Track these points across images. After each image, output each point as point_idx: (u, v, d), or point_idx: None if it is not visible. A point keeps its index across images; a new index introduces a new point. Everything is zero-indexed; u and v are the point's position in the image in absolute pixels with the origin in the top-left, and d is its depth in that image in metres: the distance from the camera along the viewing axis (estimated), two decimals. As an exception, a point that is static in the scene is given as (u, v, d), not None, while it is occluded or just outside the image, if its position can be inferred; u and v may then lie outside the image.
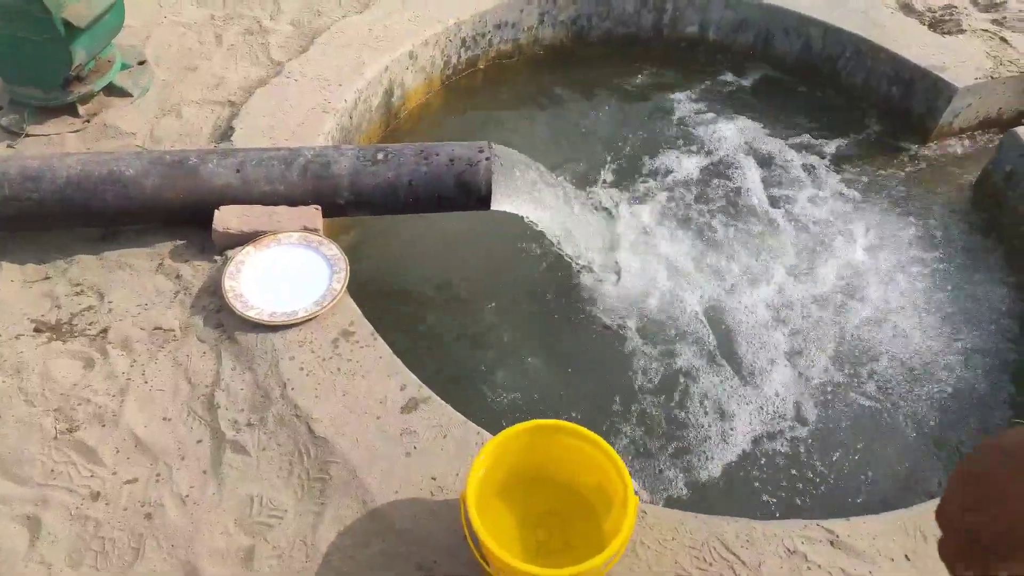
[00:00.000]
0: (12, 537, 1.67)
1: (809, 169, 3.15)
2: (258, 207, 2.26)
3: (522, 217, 2.41)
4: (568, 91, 3.53)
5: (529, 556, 1.62)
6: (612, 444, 2.07)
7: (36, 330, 2.09)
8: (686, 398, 2.31)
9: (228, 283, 2.11)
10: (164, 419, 1.89)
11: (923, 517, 1.75)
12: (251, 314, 2.04)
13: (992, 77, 3.17)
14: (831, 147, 3.27)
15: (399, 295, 2.60)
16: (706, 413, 2.28)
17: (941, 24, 3.49)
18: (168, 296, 2.17)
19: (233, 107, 2.81)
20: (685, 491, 2.10)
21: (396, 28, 3.18)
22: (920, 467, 2.21)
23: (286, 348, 2.01)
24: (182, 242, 2.30)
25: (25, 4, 2.36)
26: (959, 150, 3.28)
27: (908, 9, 3.58)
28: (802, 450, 2.22)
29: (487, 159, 2.32)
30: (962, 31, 3.43)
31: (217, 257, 2.24)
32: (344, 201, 2.31)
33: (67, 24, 2.43)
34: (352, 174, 2.30)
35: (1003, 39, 3.37)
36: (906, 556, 1.66)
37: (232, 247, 2.23)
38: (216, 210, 2.23)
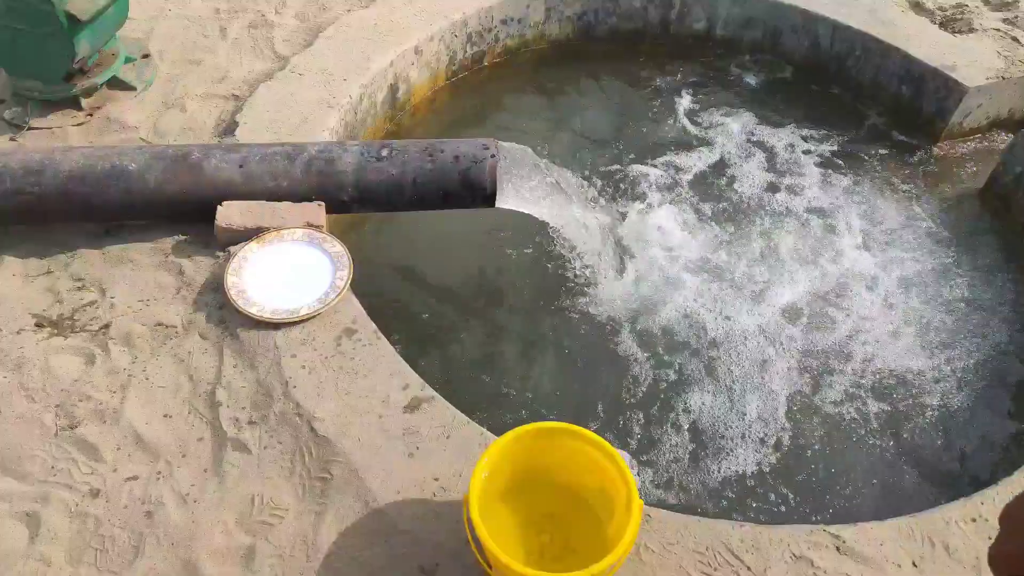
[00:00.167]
0: (12, 534, 1.66)
1: (816, 168, 3.13)
2: (261, 203, 2.24)
3: (528, 215, 2.39)
4: (574, 87, 3.51)
5: (532, 559, 1.61)
6: (617, 446, 2.08)
7: (38, 325, 2.07)
8: (691, 400, 2.30)
9: (230, 279, 2.10)
10: (165, 416, 1.88)
11: (931, 523, 1.74)
12: (253, 311, 2.03)
13: (1003, 77, 3.13)
14: (839, 146, 3.24)
15: (402, 292, 2.58)
16: (711, 417, 2.26)
17: (952, 23, 3.45)
18: (170, 292, 2.15)
19: (237, 101, 2.79)
20: (689, 495, 2.08)
21: (401, 23, 3.16)
22: (926, 475, 2.19)
23: (288, 346, 1.99)
24: (185, 237, 2.28)
25: (28, -4, 2.35)
26: (968, 151, 3.25)
27: (919, 7, 3.55)
28: (807, 456, 2.20)
29: (492, 156, 2.30)
30: (973, 30, 3.40)
31: (220, 253, 2.23)
32: (348, 198, 2.29)
33: (70, 17, 2.41)
34: (357, 170, 2.28)
35: (1015, 39, 3.34)
36: (913, 563, 1.64)
37: (235, 243, 2.22)
38: (219, 205, 2.22)
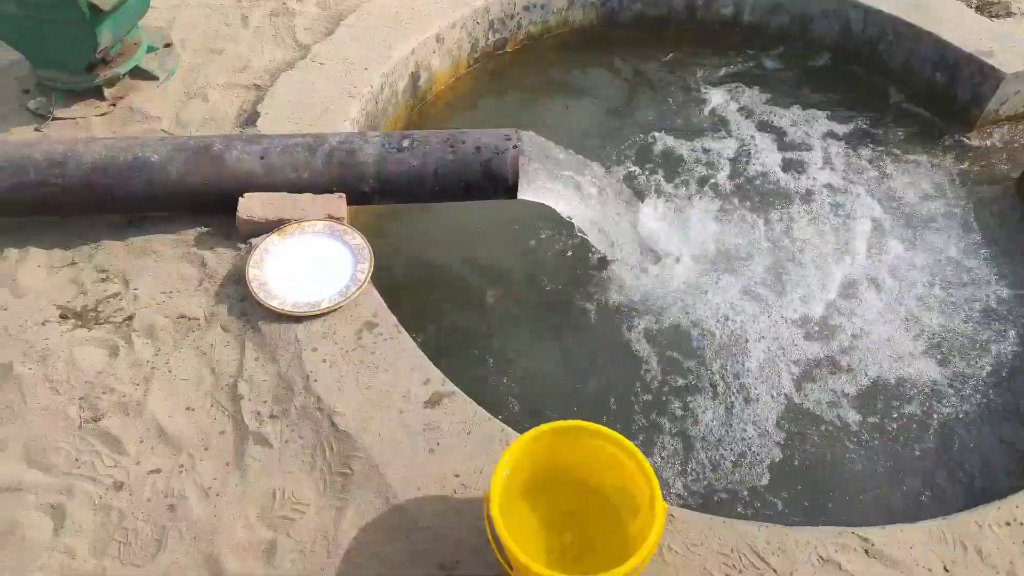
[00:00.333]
0: (37, 525, 1.68)
1: (845, 157, 3.06)
2: (282, 195, 2.23)
3: (550, 207, 2.36)
4: (598, 74, 3.45)
5: (553, 558, 1.59)
6: (640, 443, 2.06)
7: (62, 316, 2.09)
8: (717, 399, 2.26)
9: (252, 272, 2.09)
10: (188, 409, 1.88)
11: (963, 526, 1.69)
12: (274, 304, 2.02)
13: (1042, 63, 3.04)
14: (871, 134, 3.16)
15: (423, 284, 2.57)
16: (737, 416, 2.22)
17: (989, 6, 3.35)
18: (193, 284, 2.16)
19: (259, 91, 2.78)
20: (711, 495, 2.05)
21: (423, 10, 3.12)
22: (956, 475, 2.13)
23: (309, 339, 1.98)
24: (207, 229, 2.28)
25: (51, -14, 2.35)
26: (1005, 140, 3.16)
27: (954, -10, 3.44)
28: (834, 456, 2.15)
29: (515, 147, 2.27)
30: (1011, 14, 3.30)
31: (241, 244, 2.22)
32: (369, 189, 2.28)
33: (92, 7, 2.41)
34: (378, 162, 2.26)
35: (1055, 23, 3.23)
36: (944, 567, 1.61)
37: (256, 235, 2.21)
38: (240, 197, 2.21)
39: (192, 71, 2.88)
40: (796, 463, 2.12)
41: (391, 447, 1.79)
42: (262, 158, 2.24)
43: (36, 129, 2.64)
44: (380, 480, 1.73)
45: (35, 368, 1.95)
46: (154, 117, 2.68)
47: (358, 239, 2.19)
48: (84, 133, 2.62)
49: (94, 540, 1.65)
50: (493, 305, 2.50)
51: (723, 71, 3.46)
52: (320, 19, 3.15)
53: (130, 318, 2.07)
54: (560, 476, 1.68)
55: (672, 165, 2.98)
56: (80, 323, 2.07)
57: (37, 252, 2.23)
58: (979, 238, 2.77)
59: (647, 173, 2.94)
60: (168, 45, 2.94)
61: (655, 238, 2.65)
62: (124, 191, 2.19)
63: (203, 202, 2.26)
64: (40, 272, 2.19)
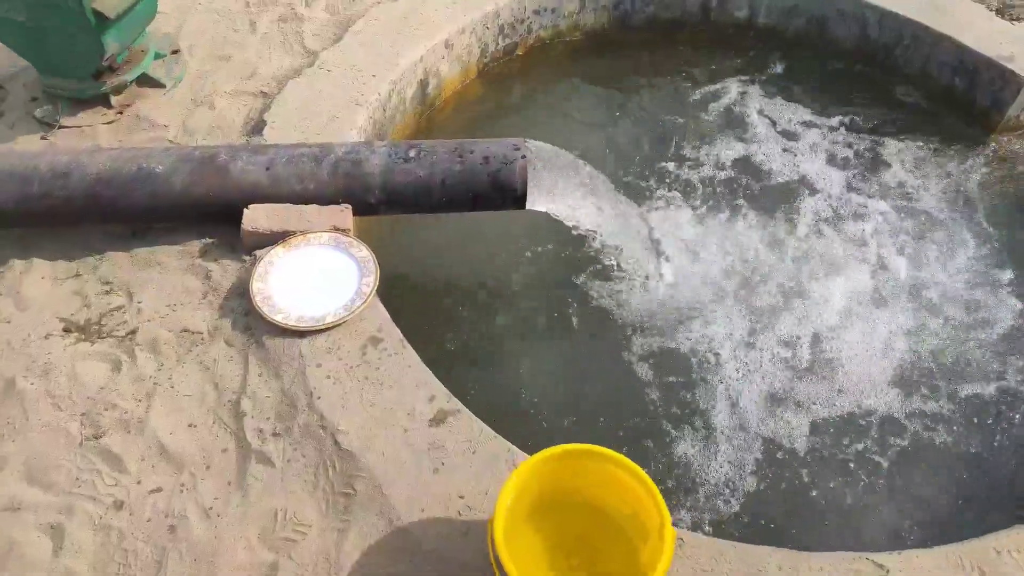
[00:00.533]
0: (36, 545, 1.66)
1: (860, 163, 3.00)
2: (287, 206, 2.21)
3: (559, 218, 2.32)
4: (610, 79, 3.40)
5: (559, 585, 1.55)
6: (649, 464, 2.02)
7: (65, 330, 2.07)
8: (721, 418, 2.21)
9: (256, 285, 2.07)
10: (190, 426, 1.86)
11: (981, 552, 1.64)
12: (278, 318, 1.99)
13: (1066, 68, 2.96)
14: (886, 140, 3.10)
15: (428, 297, 2.53)
16: (743, 436, 2.18)
17: (1010, 10, 3.27)
18: (197, 296, 2.13)
19: (266, 98, 2.75)
20: (722, 519, 2.00)
21: (432, 15, 3.08)
22: (973, 501, 2.08)
23: (313, 355, 1.95)
24: (212, 240, 2.26)
25: (56, -6, 2.33)
26: (1026, 146, 3.10)
27: (974, -7, 3.37)
28: (845, 478, 2.10)
29: (523, 157, 2.23)
30: (1033, 17, 3.22)
31: (246, 256, 2.20)
32: (375, 200, 2.24)
33: (98, 14, 2.39)
34: (384, 172, 2.23)
35: (1078, 26, 3.15)
36: (963, 597, 1.56)
37: (261, 247, 2.18)
38: (245, 209, 2.18)
39: (199, 78, 2.86)
40: (808, 485, 2.07)
41: (395, 467, 1.75)
42: (267, 169, 2.21)
43: (42, 137, 2.63)
44: (383, 501, 1.70)
45: (37, 383, 1.94)
46: (161, 125, 2.66)
47: (364, 251, 2.16)
48: (90, 141, 2.60)
49: (94, 561, 1.63)
50: (500, 317, 2.46)
51: (737, 75, 3.40)
52: (328, 25, 3.12)
53: (133, 332, 2.05)
54: (568, 499, 1.64)
55: (685, 173, 2.93)
56: (83, 337, 2.05)
57: (41, 263, 2.22)
58: (997, 246, 2.70)
59: (659, 182, 2.89)
60: (176, 51, 2.92)
61: (665, 250, 2.60)
62: (128, 202, 2.17)
63: (208, 213, 2.23)
64: (44, 284, 2.18)
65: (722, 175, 2.93)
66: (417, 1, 3.15)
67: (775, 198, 2.86)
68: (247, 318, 2.07)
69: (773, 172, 2.95)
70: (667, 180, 2.89)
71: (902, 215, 2.81)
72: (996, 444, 2.18)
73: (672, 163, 2.97)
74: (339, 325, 2.01)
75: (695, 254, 2.62)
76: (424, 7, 3.12)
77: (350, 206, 2.23)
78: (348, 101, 2.68)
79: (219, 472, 1.78)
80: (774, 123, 3.16)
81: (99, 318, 2.10)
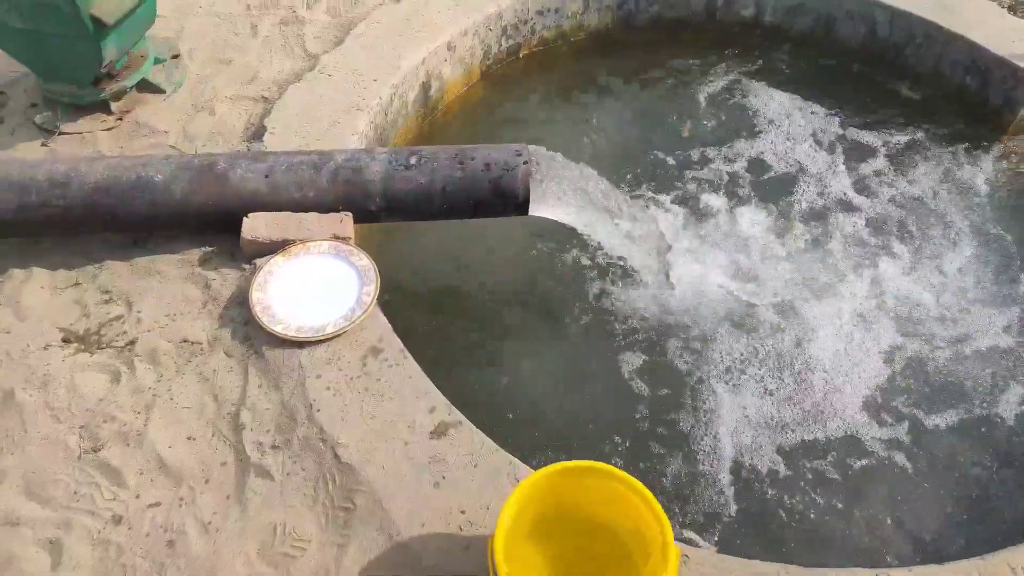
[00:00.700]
0: (35, 560, 1.64)
1: (869, 166, 2.95)
2: (287, 214, 2.18)
3: (562, 224, 2.29)
4: (614, 80, 3.37)
5: (561, 603, 1.53)
6: (655, 476, 1.99)
7: (64, 340, 2.05)
8: (726, 429, 2.17)
9: (255, 295, 2.04)
10: (189, 439, 1.84)
11: (994, 568, 1.61)
12: (278, 329, 1.97)
13: (1079, 66, 2.91)
14: (897, 141, 3.05)
15: (429, 305, 2.50)
16: (749, 448, 2.14)
17: (1023, 7, 3.21)
18: (197, 306, 2.11)
19: (266, 103, 2.73)
20: (724, 533, 1.97)
21: (434, 17, 3.05)
22: (986, 514, 2.04)
23: (313, 365, 1.93)
24: (212, 248, 2.24)
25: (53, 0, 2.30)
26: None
27: (986, -10, 3.31)
28: (856, 492, 2.07)
29: (525, 163, 2.20)
30: (1046, 14, 3.16)
31: (246, 265, 2.18)
32: (376, 207, 2.22)
33: (96, 21, 2.37)
34: (384, 179, 2.20)
35: (1092, 23, 3.10)
36: (974, 616, 1.52)
37: (261, 255, 2.16)
38: (245, 217, 2.16)
39: (200, 83, 2.84)
40: (817, 500, 2.04)
41: (395, 480, 1.73)
42: (267, 176, 2.19)
43: (43, 144, 2.61)
44: (383, 516, 1.68)
45: (36, 395, 1.92)
46: (161, 131, 2.64)
47: (364, 260, 2.13)
48: (91, 148, 2.58)
49: (92, 577, 1.62)
50: (502, 327, 2.44)
51: (743, 74, 3.36)
52: (330, 27, 3.09)
53: (132, 342, 2.04)
54: (570, 515, 1.61)
55: (692, 177, 2.89)
56: (82, 347, 2.04)
57: (41, 272, 2.20)
58: (1013, 250, 2.65)
59: (665, 186, 2.85)
60: (176, 56, 2.90)
61: (671, 256, 2.56)
62: (127, 211, 2.16)
63: (207, 221, 2.21)
64: (44, 293, 2.16)
65: (730, 177, 2.89)
66: (419, 3, 3.12)
67: (784, 199, 2.82)
68: (247, 328, 2.05)
69: (781, 172, 2.91)
70: (675, 183, 2.86)
71: (913, 216, 2.76)
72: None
73: (679, 165, 2.93)
74: (339, 335, 1.99)
75: (703, 260, 2.58)
76: (426, 9, 3.09)
77: (350, 214, 2.20)
78: (349, 106, 2.65)
79: (218, 486, 1.76)
80: (781, 123, 3.11)
81: (98, 328, 2.08)
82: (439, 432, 1.82)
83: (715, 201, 2.80)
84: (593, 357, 2.34)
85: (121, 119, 2.68)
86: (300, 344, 1.97)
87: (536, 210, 2.24)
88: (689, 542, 1.85)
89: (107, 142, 2.62)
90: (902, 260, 2.62)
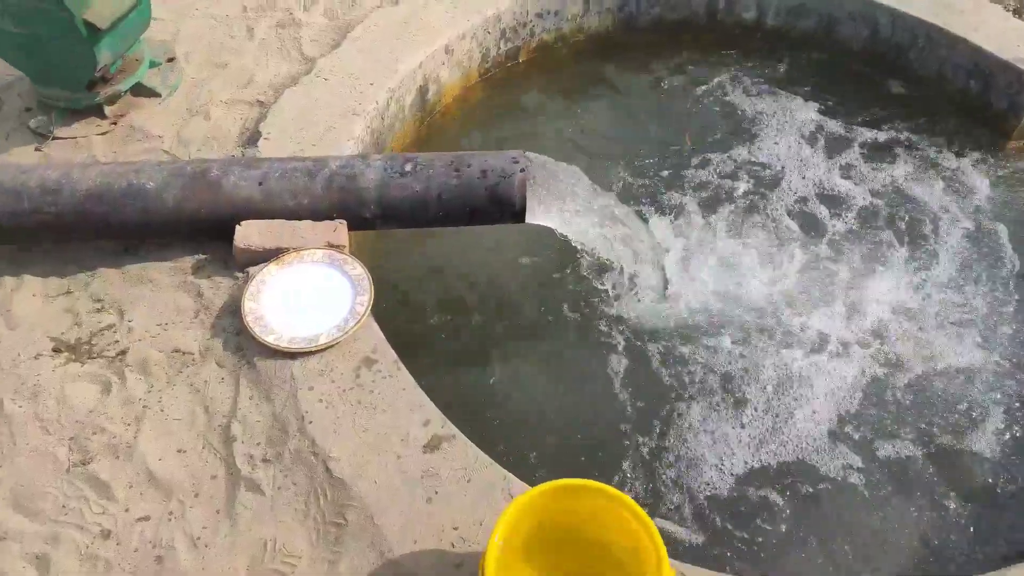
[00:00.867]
0: (22, 576, 1.63)
1: (872, 171, 2.92)
2: (281, 222, 2.16)
3: (560, 232, 2.26)
4: (614, 83, 3.33)
5: (554, 623, 1.51)
6: (644, 495, 1.96)
7: (55, 350, 2.03)
8: (725, 443, 2.15)
9: (248, 304, 2.02)
10: (179, 451, 1.82)
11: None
12: (270, 339, 1.95)
13: (1085, 71, 2.87)
14: (899, 147, 3.02)
15: (424, 315, 2.47)
16: (747, 462, 2.12)
17: (1028, 10, 3.18)
18: (189, 315, 2.09)
19: (262, 108, 2.70)
20: (723, 550, 1.95)
21: (432, 20, 3.02)
22: (999, 530, 2.01)
23: (305, 377, 1.91)
24: (204, 256, 2.21)
25: (46, 4, 2.28)
26: (1043, 153, 3.01)
27: (990, -7, 3.28)
28: (855, 507, 2.04)
29: (522, 170, 2.17)
30: (1052, 18, 3.12)
31: (239, 273, 2.15)
32: (371, 215, 2.19)
33: (89, 25, 2.34)
34: (379, 186, 2.17)
35: (1098, 27, 3.06)
36: (975, 638, 1.50)
37: (254, 263, 2.14)
38: (238, 225, 2.14)
39: (195, 86, 2.81)
40: (816, 514, 2.02)
41: (387, 495, 1.71)
42: (260, 184, 2.17)
43: (36, 148, 2.59)
44: (375, 532, 1.66)
45: (26, 406, 1.90)
46: (155, 136, 2.62)
47: (358, 269, 2.11)
48: (85, 152, 2.56)
49: (79, 593, 1.60)
50: (498, 337, 2.41)
51: (744, 77, 3.32)
52: (327, 30, 3.06)
53: (123, 352, 2.01)
54: (565, 533, 1.58)
55: (693, 183, 2.86)
56: (73, 357, 2.01)
57: (32, 280, 2.18)
58: (1009, 267, 2.62)
59: (663, 191, 2.82)
60: (171, 59, 2.88)
61: (671, 262, 2.54)
62: (119, 218, 2.13)
63: (200, 229, 2.19)
64: (35, 301, 2.14)
65: (730, 183, 2.86)
66: (418, 5, 3.09)
67: (785, 206, 2.79)
68: (239, 338, 2.02)
69: (781, 178, 2.88)
70: (674, 188, 2.82)
71: (916, 223, 2.73)
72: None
73: (680, 170, 2.90)
74: (332, 346, 1.96)
75: (702, 268, 2.55)
76: (424, 12, 3.06)
77: (344, 221, 2.18)
78: (345, 110, 2.62)
79: (208, 500, 1.74)
80: (782, 127, 3.08)
81: (90, 337, 2.06)
82: (432, 446, 1.79)
83: (713, 206, 2.77)
84: (589, 369, 2.32)
85: (115, 123, 2.66)
86: (292, 355, 1.95)
87: (533, 218, 2.21)
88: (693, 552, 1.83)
89: (101, 147, 2.60)
90: (908, 267, 2.59)
